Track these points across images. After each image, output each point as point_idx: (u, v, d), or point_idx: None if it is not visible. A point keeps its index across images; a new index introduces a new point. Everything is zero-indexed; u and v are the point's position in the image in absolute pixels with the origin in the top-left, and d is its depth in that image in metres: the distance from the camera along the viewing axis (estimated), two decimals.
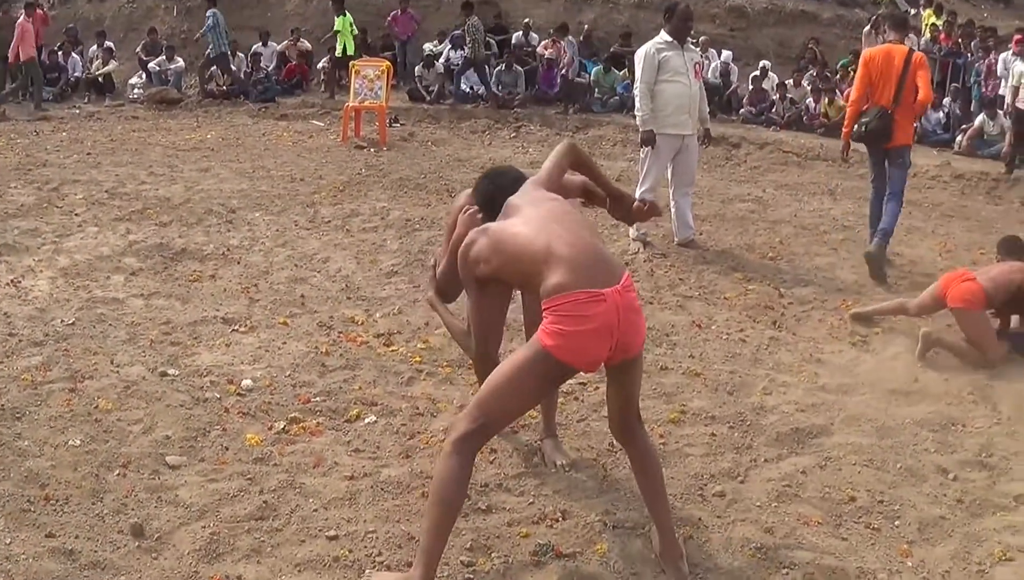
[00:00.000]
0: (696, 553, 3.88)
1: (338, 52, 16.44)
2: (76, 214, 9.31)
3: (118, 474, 4.45)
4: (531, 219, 3.65)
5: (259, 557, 3.82)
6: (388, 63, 14.43)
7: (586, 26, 18.93)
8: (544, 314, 3.48)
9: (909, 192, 10.76)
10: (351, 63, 14.44)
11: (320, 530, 3.99)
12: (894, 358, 6.19)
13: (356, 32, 16.91)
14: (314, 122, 15.04)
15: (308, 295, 7.19)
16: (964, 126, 14.38)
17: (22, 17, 16.11)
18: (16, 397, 5.17)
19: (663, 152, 8.45)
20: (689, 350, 6.25)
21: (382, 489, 4.34)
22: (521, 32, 18.46)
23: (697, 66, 8.53)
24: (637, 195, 8.55)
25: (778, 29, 18.76)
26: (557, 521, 4.05)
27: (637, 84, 8.48)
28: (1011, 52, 14.08)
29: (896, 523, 4.22)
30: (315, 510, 4.16)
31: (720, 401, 5.45)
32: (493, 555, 3.84)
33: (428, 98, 17.00)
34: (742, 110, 16.36)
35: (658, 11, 19.18)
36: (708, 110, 9.11)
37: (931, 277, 7.83)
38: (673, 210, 8.73)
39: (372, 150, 13.03)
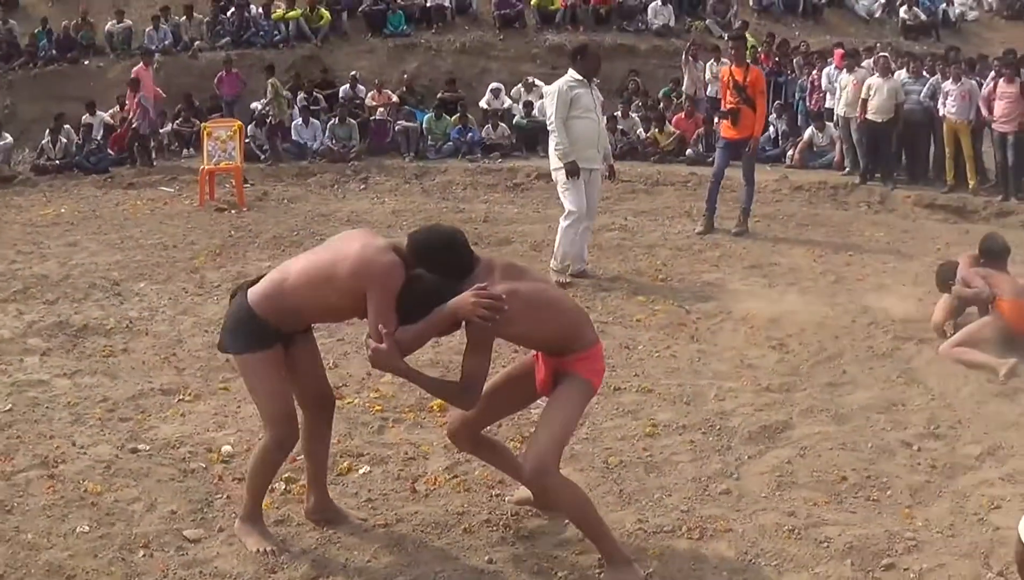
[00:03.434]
0: (734, 546, 4.26)
1: None
2: None
3: (143, 555, 4.42)
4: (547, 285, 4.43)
5: None
6: (239, 123, 14.33)
7: (406, 75, 19.25)
8: (577, 361, 4.11)
9: (762, 206, 11.68)
10: (202, 124, 14.28)
11: (391, 576, 4.14)
12: (815, 356, 6.78)
13: None
14: (163, 189, 14.76)
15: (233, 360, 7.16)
16: (794, 140, 15.44)
17: None
18: None
19: (578, 183, 8.72)
20: (631, 370, 6.64)
21: (424, 532, 4.51)
22: (348, 85, 18.61)
23: (602, 104, 8.95)
24: (563, 228, 8.79)
25: None
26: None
27: (551, 119, 8.74)
28: (833, 67, 15.23)
29: (889, 493, 4.76)
30: (368, 561, 4.28)
31: (683, 412, 5.86)
32: (558, 573, 4.10)
33: (262, 156, 16.93)
34: None
35: (479, 55, 20.19)
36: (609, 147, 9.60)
37: (815, 280, 8.64)
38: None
39: (233, 212, 12.91)
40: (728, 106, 10.66)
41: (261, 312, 4.19)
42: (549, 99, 8.92)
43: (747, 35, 18.35)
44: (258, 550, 4.34)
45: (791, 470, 5.00)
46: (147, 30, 19.60)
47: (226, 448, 5.55)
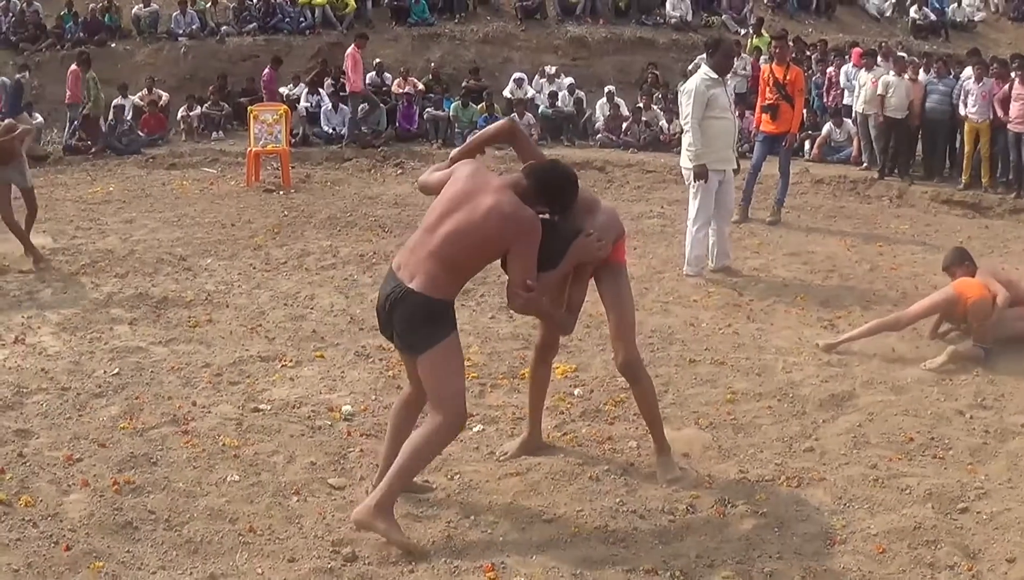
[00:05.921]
0: (829, 492, 4.91)
1: None
2: (21, 271, 9.26)
3: (297, 500, 4.90)
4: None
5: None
6: (286, 107, 14.84)
7: (432, 64, 19.76)
8: (618, 248, 4.94)
9: (789, 198, 12.22)
10: (249, 108, 14.79)
11: (536, 515, 4.73)
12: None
13: None
14: (206, 169, 15.26)
15: (319, 330, 7.64)
16: (812, 135, 15.98)
17: None
18: (135, 444, 5.47)
19: (711, 186, 8.75)
20: (701, 345, 7.24)
21: (554, 480, 5.08)
22: (374, 72, 19.09)
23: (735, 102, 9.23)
24: (692, 232, 8.88)
25: (618, 57, 20.16)
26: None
27: (687, 120, 8.77)
28: (851, 64, 15.80)
29: (951, 452, 5.41)
30: (510, 503, 4.85)
31: (757, 382, 6.48)
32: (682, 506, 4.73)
33: (293, 141, 17.39)
34: (599, 135, 17.53)
35: (502, 46, 20.71)
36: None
37: (852, 268, 9.25)
38: (714, 238, 9.06)
39: (281, 193, 13.43)
40: (767, 102, 11.22)
41: (443, 295, 4.41)
42: (685, 98, 8.83)
43: (753, 38, 19.01)
44: (404, 543, 4.40)
45: (863, 432, 5.63)
46: (174, 15, 20.03)
47: (346, 408, 6.09)
